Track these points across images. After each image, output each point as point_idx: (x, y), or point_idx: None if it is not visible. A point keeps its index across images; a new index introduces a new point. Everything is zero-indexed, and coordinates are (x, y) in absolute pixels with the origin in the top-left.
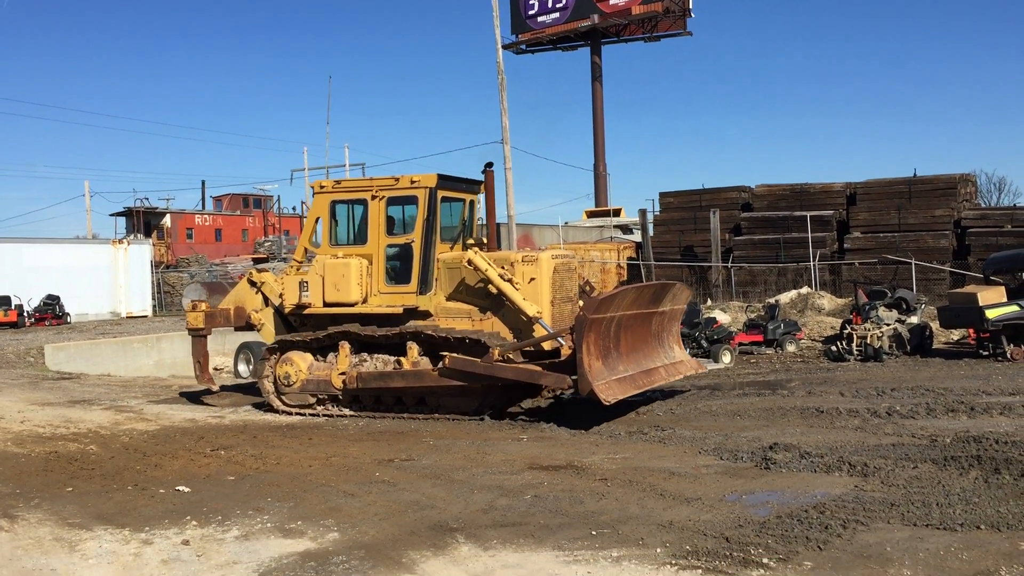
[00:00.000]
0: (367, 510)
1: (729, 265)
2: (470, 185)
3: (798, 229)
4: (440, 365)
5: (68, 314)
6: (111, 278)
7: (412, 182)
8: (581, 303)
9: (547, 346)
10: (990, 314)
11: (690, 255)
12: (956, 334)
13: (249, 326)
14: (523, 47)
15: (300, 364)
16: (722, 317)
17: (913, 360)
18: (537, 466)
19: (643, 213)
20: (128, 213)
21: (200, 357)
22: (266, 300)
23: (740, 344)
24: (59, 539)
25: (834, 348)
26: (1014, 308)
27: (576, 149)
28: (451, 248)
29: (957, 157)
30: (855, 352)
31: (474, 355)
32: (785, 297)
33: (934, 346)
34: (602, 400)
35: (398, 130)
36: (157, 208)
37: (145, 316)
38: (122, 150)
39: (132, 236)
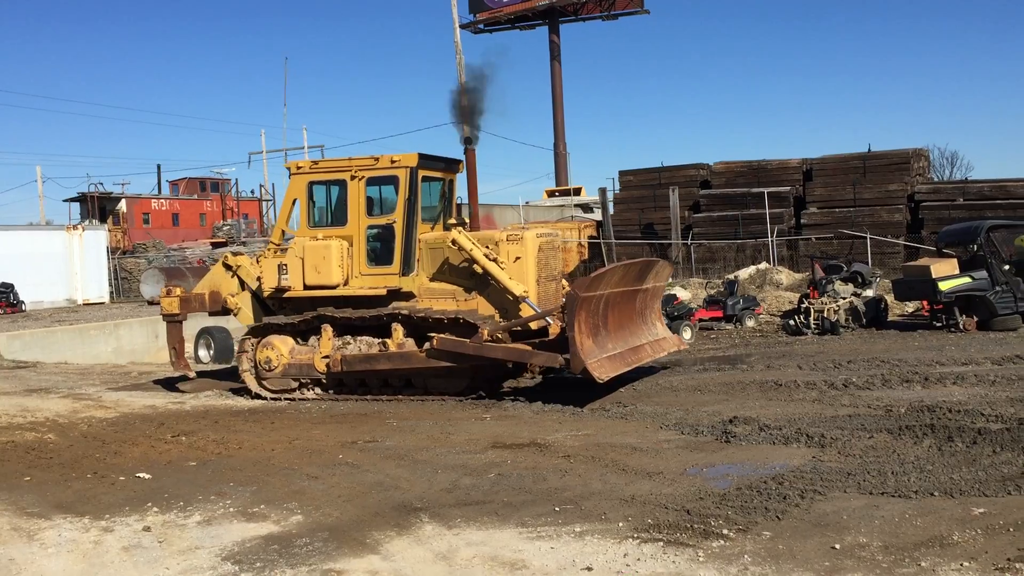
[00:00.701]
0: (331, 492)
1: (689, 242)
2: (450, 164)
3: (756, 206)
4: (427, 346)
5: (23, 302)
6: (66, 265)
7: (392, 162)
8: (564, 283)
9: (534, 325)
10: (943, 286)
11: (650, 233)
12: (910, 306)
13: (225, 311)
14: (481, 26)
15: (281, 348)
16: (682, 294)
17: (869, 333)
18: (500, 445)
19: (603, 192)
20: (82, 199)
21: (176, 343)
22: (242, 284)
23: (700, 320)
24: (17, 529)
25: (792, 322)
26: (966, 280)
27: (536, 129)
28: (432, 228)
29: (910, 132)
30: (812, 326)
31: (462, 335)
32: (744, 273)
33: (889, 318)
34: (596, 378)
35: (356, 111)
36: (112, 193)
37: (102, 303)
38: (75, 134)
39: (87, 222)
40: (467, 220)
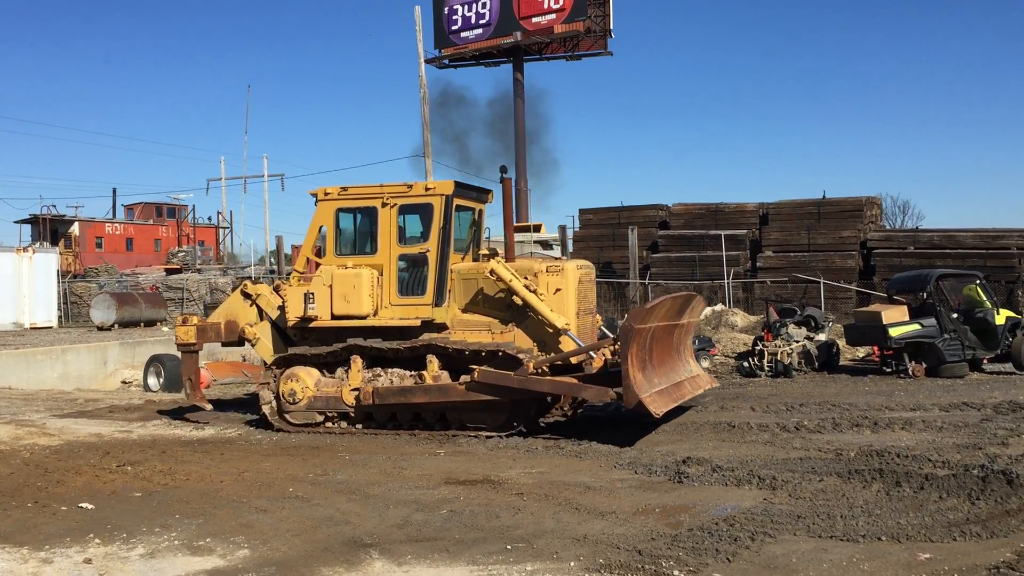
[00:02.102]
0: (279, 526)
1: (647, 282)
2: (480, 194)
3: (713, 247)
4: (469, 378)
5: None
6: (14, 287)
7: (427, 189)
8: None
9: (575, 359)
10: (893, 332)
11: (609, 271)
12: (861, 351)
13: (241, 341)
14: (446, 62)
15: (307, 380)
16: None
17: (821, 376)
18: (454, 481)
19: (563, 229)
20: (34, 220)
21: (191, 374)
22: (261, 313)
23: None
24: None
25: (746, 364)
26: (915, 327)
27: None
28: (462, 259)
29: (864, 180)
30: (766, 368)
31: (500, 368)
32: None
33: (841, 363)
34: (652, 413)
35: (319, 141)
36: (65, 216)
37: (50, 327)
38: (28, 155)
39: (38, 244)
40: (498, 251)
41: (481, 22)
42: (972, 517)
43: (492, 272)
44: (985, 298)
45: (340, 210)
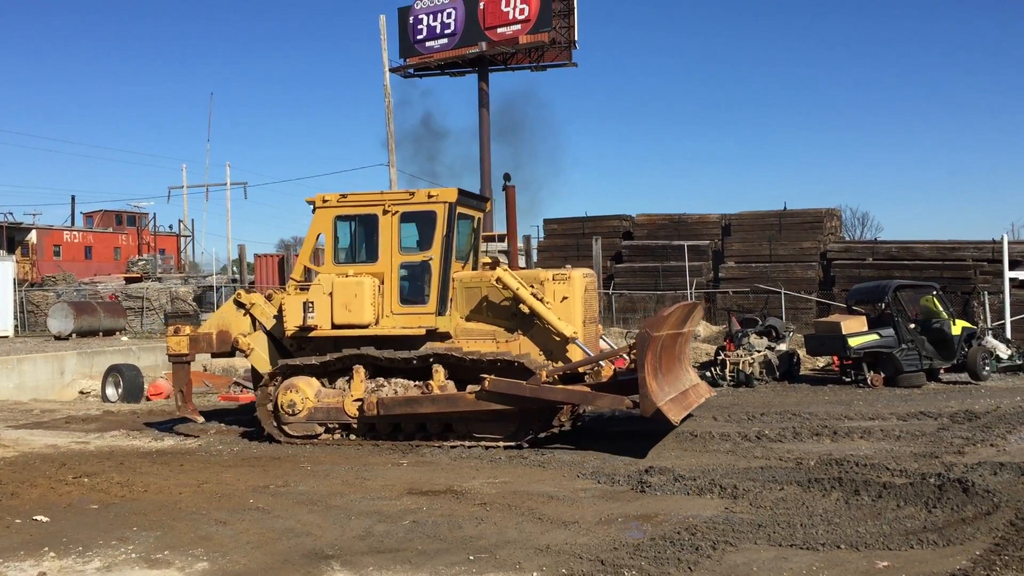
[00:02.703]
0: (239, 538)
1: (610, 292)
2: (480, 202)
3: (676, 258)
4: (479, 388)
5: None
6: None
7: (430, 196)
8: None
9: (582, 368)
10: (852, 342)
11: None
12: (821, 361)
13: (232, 351)
14: (411, 71)
15: (307, 391)
16: (602, 343)
17: (782, 386)
18: (416, 491)
19: (527, 239)
20: None
21: (183, 386)
22: (254, 323)
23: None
24: None
25: (708, 374)
26: (874, 337)
27: (464, 173)
28: (462, 267)
29: (825, 192)
30: (728, 378)
31: (510, 377)
32: None
33: (801, 372)
34: (671, 421)
35: (283, 150)
36: (22, 223)
37: (6, 336)
38: None
39: None
40: (502, 259)
41: (446, 32)
42: (929, 525)
43: (498, 280)
44: (942, 309)
45: (339, 217)
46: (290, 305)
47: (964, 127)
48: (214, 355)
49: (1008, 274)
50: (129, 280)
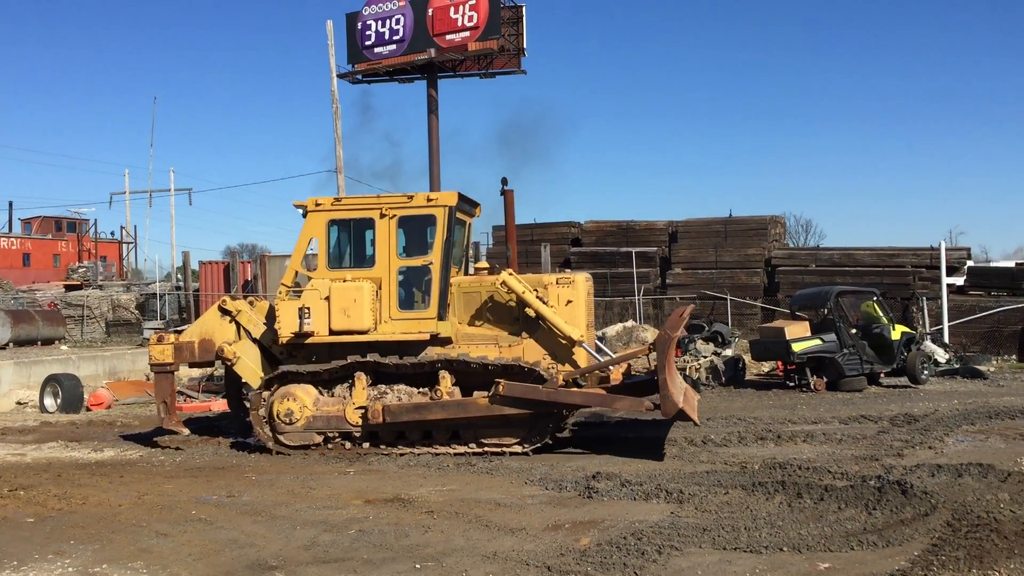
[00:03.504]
0: (180, 550)
1: None
2: (471, 207)
3: (624, 264)
4: (492, 392)
5: None
6: None
7: (429, 200)
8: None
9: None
10: (796, 347)
11: None
12: (766, 366)
13: (211, 362)
14: (359, 77)
15: (304, 399)
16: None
17: (727, 391)
18: (363, 500)
19: (476, 246)
20: None
21: (167, 397)
22: (239, 330)
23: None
24: None
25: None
26: (817, 342)
27: (414, 180)
28: (457, 272)
29: (770, 199)
30: None
31: (518, 382)
32: (611, 330)
33: (747, 377)
34: (695, 421)
35: (229, 156)
36: None
37: None
38: None
39: None
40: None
41: (395, 38)
42: (869, 527)
43: (504, 284)
44: (882, 314)
45: (333, 222)
46: (284, 311)
47: (905, 137)
48: (193, 365)
49: (945, 280)
50: (69, 288)
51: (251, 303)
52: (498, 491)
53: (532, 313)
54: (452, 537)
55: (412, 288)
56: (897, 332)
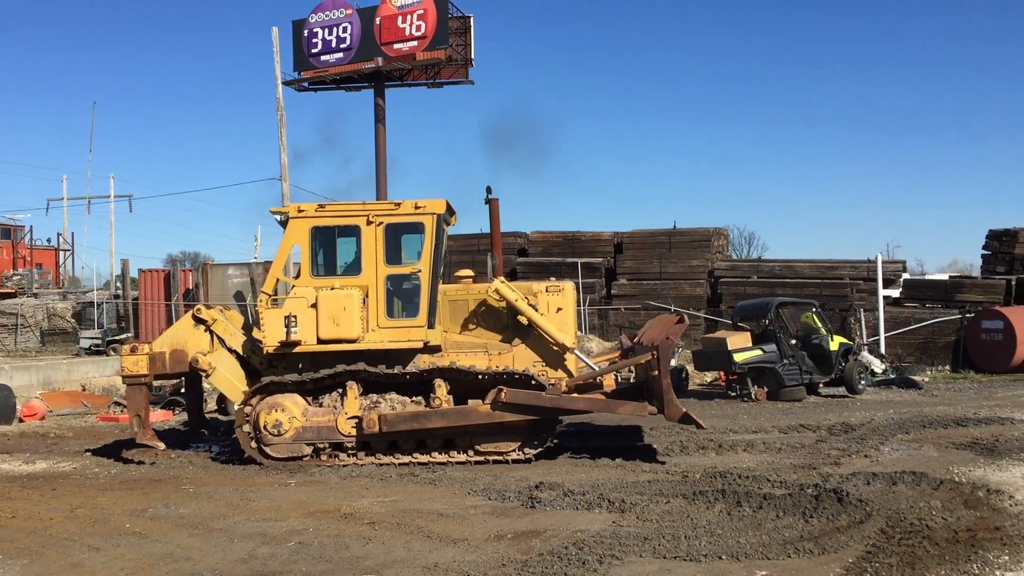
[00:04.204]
0: (113, 565)
1: None
2: (450, 215)
3: (570, 275)
4: (493, 400)
5: None
6: None
7: (417, 207)
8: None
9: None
10: (737, 358)
11: None
12: (709, 376)
13: (181, 374)
14: (306, 84)
15: (293, 410)
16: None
17: None
18: (303, 512)
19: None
20: None
21: (140, 410)
22: (213, 340)
23: None
24: None
25: None
26: (758, 352)
27: (362, 189)
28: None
29: (714, 211)
30: None
31: (515, 389)
32: None
33: (690, 387)
34: (702, 425)
35: (170, 161)
36: None
37: None
38: None
39: None
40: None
41: (342, 46)
42: (806, 534)
43: (497, 292)
44: (821, 325)
45: (317, 228)
46: (269, 320)
47: (845, 151)
48: (160, 377)
49: (882, 292)
50: (2, 296)
51: (221, 311)
52: (441, 502)
53: (524, 321)
54: (393, 548)
55: (400, 296)
56: (835, 343)
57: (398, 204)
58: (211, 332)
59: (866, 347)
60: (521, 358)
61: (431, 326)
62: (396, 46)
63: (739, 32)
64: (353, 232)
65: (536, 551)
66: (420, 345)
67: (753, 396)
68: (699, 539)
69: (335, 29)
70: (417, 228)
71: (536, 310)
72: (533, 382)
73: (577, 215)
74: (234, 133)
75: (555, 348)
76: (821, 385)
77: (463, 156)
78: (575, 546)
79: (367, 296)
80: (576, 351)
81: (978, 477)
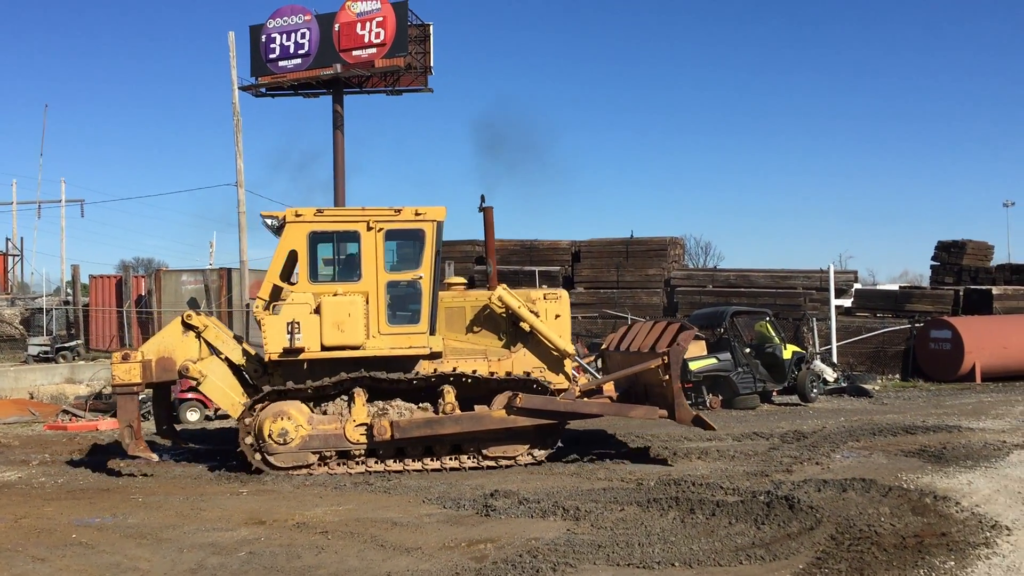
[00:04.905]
0: None
1: None
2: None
3: (528, 283)
4: (507, 404)
5: None
6: None
7: (417, 214)
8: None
9: (566, 384)
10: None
11: None
12: None
13: (165, 383)
14: (263, 90)
15: (299, 418)
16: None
17: None
18: (255, 521)
19: None
20: None
21: (132, 420)
22: (203, 347)
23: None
24: None
25: None
26: (712, 361)
27: (322, 195)
28: None
29: (672, 221)
30: None
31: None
32: None
33: None
34: (713, 427)
35: (123, 167)
36: None
37: None
38: None
39: None
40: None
41: (300, 52)
42: (757, 541)
43: (500, 299)
44: (774, 334)
45: (315, 234)
46: (271, 327)
47: (798, 162)
48: (149, 386)
49: (834, 301)
50: None
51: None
52: (395, 510)
53: (526, 327)
54: (346, 558)
55: (401, 302)
56: (788, 351)
57: (398, 211)
58: (201, 339)
59: (818, 356)
60: (521, 363)
61: (432, 333)
62: (355, 53)
63: (693, 43)
64: (353, 238)
65: (490, 559)
66: (426, 352)
67: (708, 404)
68: (653, 546)
69: (293, 35)
70: (416, 235)
71: (537, 317)
72: (537, 386)
73: (535, 224)
74: (190, 139)
75: (555, 354)
76: (775, 393)
77: (424, 163)
78: (529, 554)
79: (368, 302)
80: (576, 357)
81: (926, 484)
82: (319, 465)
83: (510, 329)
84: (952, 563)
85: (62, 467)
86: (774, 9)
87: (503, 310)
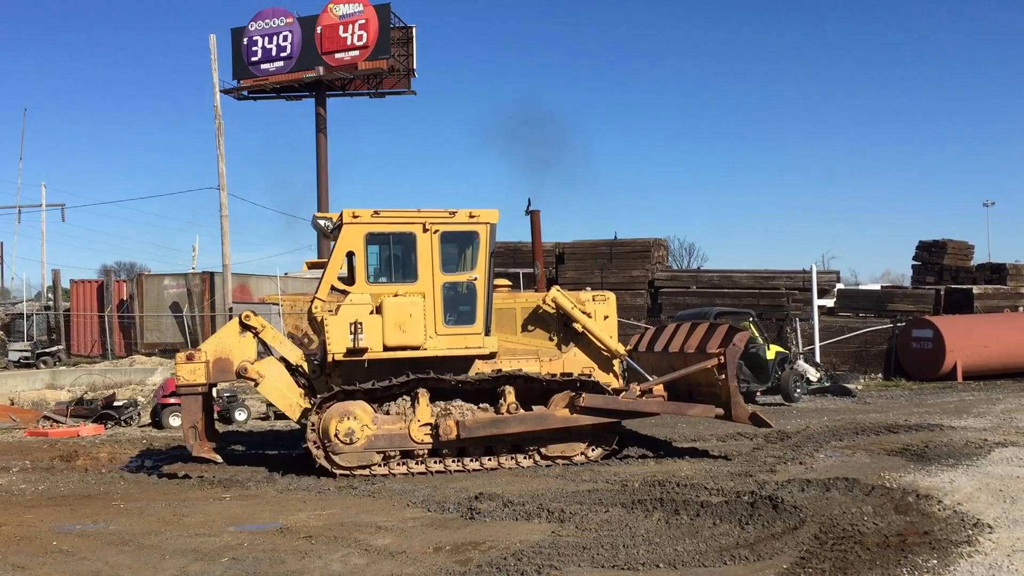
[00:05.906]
0: None
1: None
2: None
3: (512, 285)
4: (570, 403)
5: None
6: None
7: (471, 216)
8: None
9: (617, 384)
10: None
11: None
12: None
13: (206, 385)
14: (245, 93)
15: (364, 418)
16: None
17: None
18: (239, 526)
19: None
20: None
21: (196, 421)
22: (265, 348)
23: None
24: None
25: None
26: None
27: (304, 199)
28: None
29: (656, 222)
30: None
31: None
32: None
33: None
34: (770, 424)
35: (104, 171)
36: None
37: None
38: None
39: None
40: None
41: (282, 55)
42: (742, 541)
43: (553, 301)
44: (758, 334)
45: (372, 235)
46: (334, 327)
47: (781, 163)
48: (204, 385)
49: (816, 302)
50: None
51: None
52: (379, 514)
53: (578, 328)
54: (330, 563)
55: (457, 303)
56: (772, 352)
57: (453, 213)
58: (259, 339)
59: (802, 356)
60: (571, 363)
61: (488, 333)
62: (337, 55)
63: (674, 45)
64: (409, 239)
65: (475, 563)
66: (484, 352)
67: None
68: (637, 548)
69: (275, 38)
70: (471, 237)
71: (589, 318)
72: (599, 387)
73: (519, 226)
74: (172, 142)
75: (605, 354)
76: (758, 393)
77: (403, 166)
78: (514, 557)
79: (424, 303)
80: (627, 358)
81: (908, 483)
82: (380, 465)
83: (561, 330)
84: (935, 561)
85: (43, 473)
86: (753, 10)
87: (555, 311)
